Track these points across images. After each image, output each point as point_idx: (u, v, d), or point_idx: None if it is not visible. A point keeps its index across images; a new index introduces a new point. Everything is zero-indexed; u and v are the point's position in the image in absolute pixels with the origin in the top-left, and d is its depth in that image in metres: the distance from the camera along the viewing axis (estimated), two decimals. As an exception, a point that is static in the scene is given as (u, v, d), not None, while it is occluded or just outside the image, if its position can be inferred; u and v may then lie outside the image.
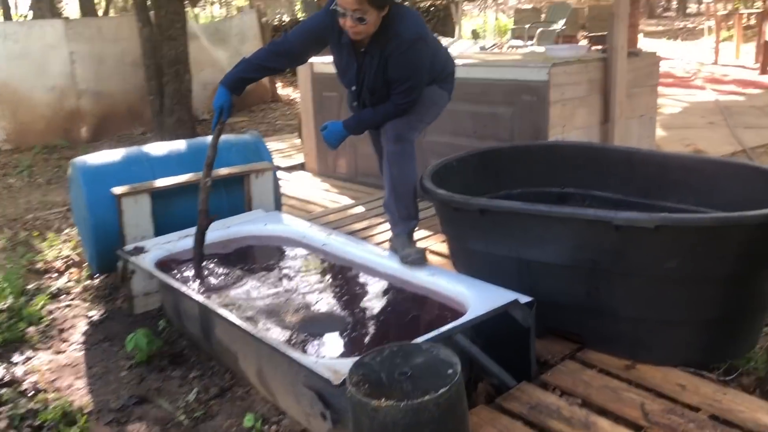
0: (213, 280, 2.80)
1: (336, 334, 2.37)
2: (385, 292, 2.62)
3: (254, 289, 2.71)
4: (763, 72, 8.94)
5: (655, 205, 2.88)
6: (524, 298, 2.28)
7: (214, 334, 2.61)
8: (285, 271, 2.87)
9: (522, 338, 2.30)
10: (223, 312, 2.33)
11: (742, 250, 2.18)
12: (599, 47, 4.52)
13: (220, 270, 2.89)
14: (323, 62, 4.34)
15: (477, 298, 2.32)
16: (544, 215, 2.41)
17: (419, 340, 1.96)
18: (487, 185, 3.10)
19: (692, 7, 19.52)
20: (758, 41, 9.68)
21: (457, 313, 2.27)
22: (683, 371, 2.32)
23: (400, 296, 2.58)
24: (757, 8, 10.70)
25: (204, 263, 2.89)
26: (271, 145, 6.13)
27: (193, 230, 2.90)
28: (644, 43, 12.03)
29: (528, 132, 3.79)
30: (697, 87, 8.28)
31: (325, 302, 2.59)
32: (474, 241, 2.66)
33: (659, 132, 5.10)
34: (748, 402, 2.12)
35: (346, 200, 4.63)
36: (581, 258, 2.37)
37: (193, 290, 2.64)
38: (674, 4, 21.43)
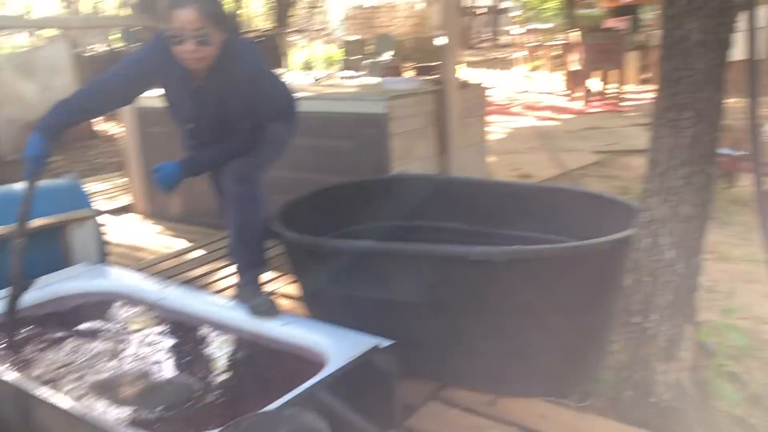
0: (29, 352, 2.41)
1: (183, 406, 2.11)
2: (236, 349, 2.40)
3: (81, 359, 2.36)
4: (572, 98, 9.75)
5: (501, 234, 2.92)
6: (384, 342, 2.18)
7: (34, 418, 2.23)
8: (116, 335, 2.54)
9: (384, 384, 2.19)
10: (44, 392, 1.99)
11: (592, 276, 2.25)
12: (427, 78, 4.62)
13: (38, 338, 2.50)
14: (148, 95, 4.02)
15: (336, 347, 2.18)
16: (399, 254, 2.34)
17: (279, 402, 1.79)
18: (335, 222, 2.99)
19: (504, 39, 21.02)
20: (565, 70, 10.57)
21: (317, 366, 2.11)
22: (544, 401, 2.34)
23: (253, 352, 2.37)
24: (562, 40, 11.72)
25: (17, 332, 2.49)
26: (92, 186, 5.61)
27: (2, 294, 2.50)
28: (466, 73, 12.72)
29: (370, 165, 3.74)
30: (516, 114, 8.84)
31: (166, 368, 2.31)
32: (328, 284, 2.53)
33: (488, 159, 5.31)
34: (602, 426, 2.17)
35: (181, 244, 4.30)
36: (439, 295, 2.32)
37: (4, 367, 2.25)
38: (487, 36, 22.95)
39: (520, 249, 2.19)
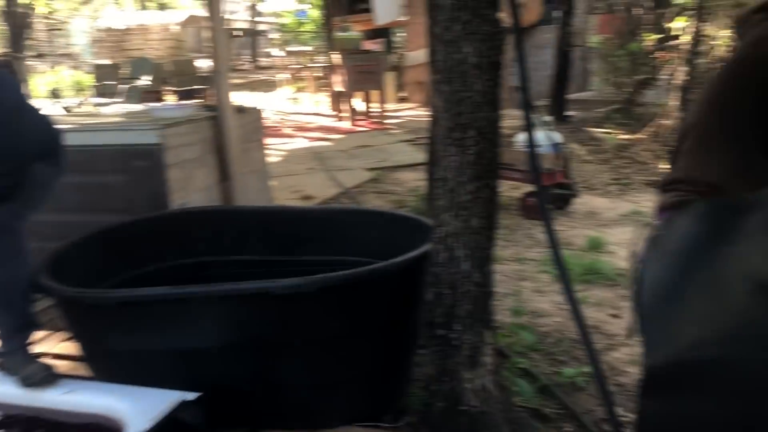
0: None
1: None
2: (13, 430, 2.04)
3: None
4: (339, 118, 10.03)
5: (298, 261, 2.86)
6: (190, 395, 2.00)
7: None
8: None
9: (194, 440, 2.01)
10: None
11: (397, 295, 2.27)
12: (198, 103, 4.44)
13: None
14: None
15: (134, 409, 1.95)
16: (195, 297, 2.16)
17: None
18: (116, 268, 2.69)
19: (264, 61, 21.09)
20: (330, 91, 10.85)
21: (114, 434, 1.87)
22: (361, 427, 2.31)
23: (35, 430, 2.03)
24: (324, 62, 12.03)
25: None
26: None
27: None
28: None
29: (147, 200, 3.44)
30: (288, 135, 8.86)
31: None
32: (116, 340, 2.25)
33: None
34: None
35: None
36: (243, 336, 2.18)
37: None
38: (246, 58, 22.86)
39: (328, 276, 2.14)
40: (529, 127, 1.77)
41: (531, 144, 1.74)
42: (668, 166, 1.50)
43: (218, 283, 2.21)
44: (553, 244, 1.66)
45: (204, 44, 18.02)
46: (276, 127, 9.57)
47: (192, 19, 20.47)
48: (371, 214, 3.01)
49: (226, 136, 3.92)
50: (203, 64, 12.86)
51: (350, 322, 2.20)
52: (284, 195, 5.68)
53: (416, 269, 2.29)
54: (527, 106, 1.81)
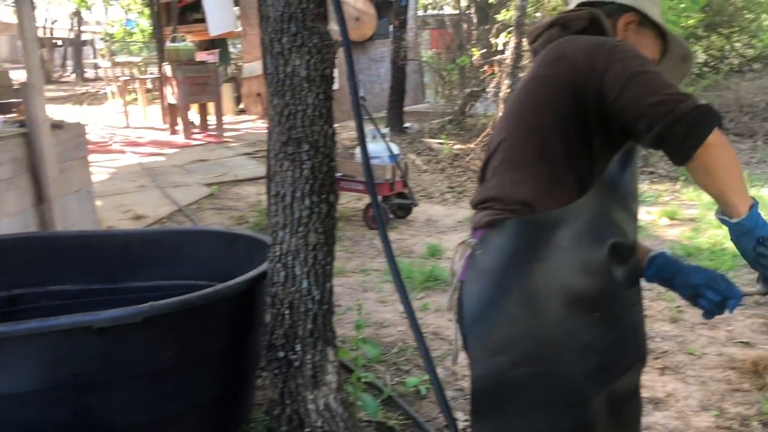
0: None
1: None
2: None
3: None
4: (173, 132, 9.57)
5: (124, 288, 2.66)
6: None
7: None
8: None
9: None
10: None
11: (232, 320, 2.16)
12: (5, 118, 4.03)
13: None
14: None
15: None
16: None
17: None
18: None
19: (90, 72, 19.74)
20: (162, 104, 10.34)
21: None
22: (201, 462, 2.17)
23: None
24: (156, 74, 11.46)
25: None
26: None
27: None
28: (50, 111, 11.56)
29: (-55, 228, 3.06)
30: (117, 151, 8.32)
31: None
32: None
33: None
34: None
35: None
36: (61, 376, 1.96)
37: None
38: (70, 69, 21.30)
39: (155, 305, 1.98)
40: (362, 138, 1.75)
41: (365, 155, 1.72)
42: (478, 185, 1.50)
43: (31, 320, 1.98)
44: (389, 254, 1.65)
45: (22, 54, 16.55)
46: (104, 142, 8.96)
47: (5, 26, 18.73)
48: (207, 234, 2.86)
49: (41, 154, 3.58)
50: (21, 75, 11.78)
51: (183, 351, 2.06)
52: (113, 216, 5.31)
53: (252, 290, 2.20)
54: (359, 118, 1.79)
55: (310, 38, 2.04)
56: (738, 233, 1.24)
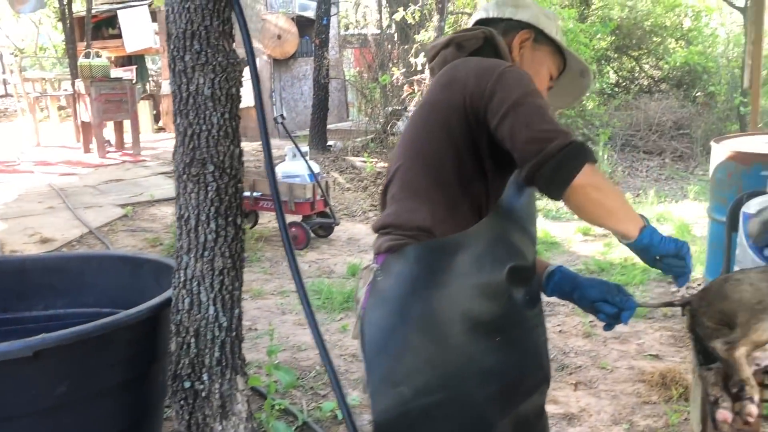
0: None
1: None
2: None
3: None
4: (86, 150, 9.21)
5: (20, 318, 2.49)
6: None
7: None
8: None
9: None
10: None
11: (134, 350, 2.05)
12: None
13: None
14: None
15: None
16: None
17: None
18: None
19: (-1, 89, 18.83)
20: (75, 121, 9.95)
21: None
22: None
23: None
24: (68, 90, 11.02)
25: None
26: None
27: None
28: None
29: None
30: (25, 171, 7.93)
31: None
32: None
33: (-2, 226, 4.61)
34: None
35: None
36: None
37: None
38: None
39: (46, 337, 1.85)
40: (269, 157, 1.70)
41: (272, 173, 1.68)
42: (380, 210, 1.48)
43: None
44: (298, 278, 1.61)
45: None
46: (10, 161, 8.53)
47: None
48: (112, 259, 2.72)
49: (-69, 175, 3.34)
50: None
51: (80, 385, 1.93)
52: (17, 239, 5.03)
53: (156, 318, 2.10)
54: (266, 136, 1.75)
55: (215, 56, 1.98)
56: (635, 251, 1.27)
